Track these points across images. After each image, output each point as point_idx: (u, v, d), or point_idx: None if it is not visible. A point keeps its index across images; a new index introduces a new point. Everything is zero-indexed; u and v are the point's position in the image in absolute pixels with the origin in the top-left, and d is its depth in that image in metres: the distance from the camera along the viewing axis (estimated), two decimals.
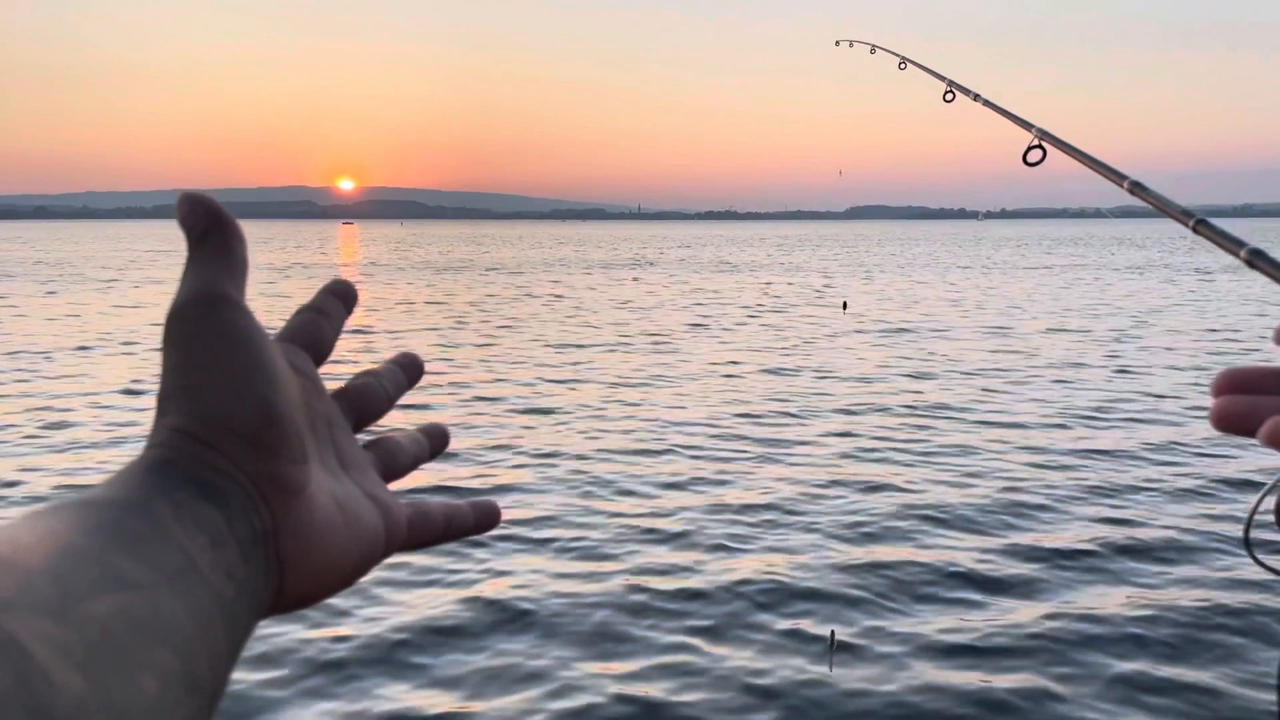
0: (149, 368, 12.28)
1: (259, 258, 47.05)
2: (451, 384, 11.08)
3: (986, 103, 1.36)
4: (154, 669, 0.29)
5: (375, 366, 0.53)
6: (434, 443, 0.55)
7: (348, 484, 0.44)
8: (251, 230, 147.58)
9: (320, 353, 0.49)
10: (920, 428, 8.74)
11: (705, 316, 18.85)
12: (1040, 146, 1.16)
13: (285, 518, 0.38)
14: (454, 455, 7.69)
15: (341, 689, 4.00)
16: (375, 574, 5.17)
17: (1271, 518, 0.54)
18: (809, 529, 5.91)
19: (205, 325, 0.37)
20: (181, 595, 0.32)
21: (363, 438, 0.50)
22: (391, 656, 4.27)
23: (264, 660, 4.21)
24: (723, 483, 6.95)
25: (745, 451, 7.89)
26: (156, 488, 0.35)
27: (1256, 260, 0.58)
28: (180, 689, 0.30)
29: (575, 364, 12.67)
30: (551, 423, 8.99)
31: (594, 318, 18.72)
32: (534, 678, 4.07)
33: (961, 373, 11.75)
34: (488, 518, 0.52)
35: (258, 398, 0.37)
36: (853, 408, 9.66)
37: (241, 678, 4.03)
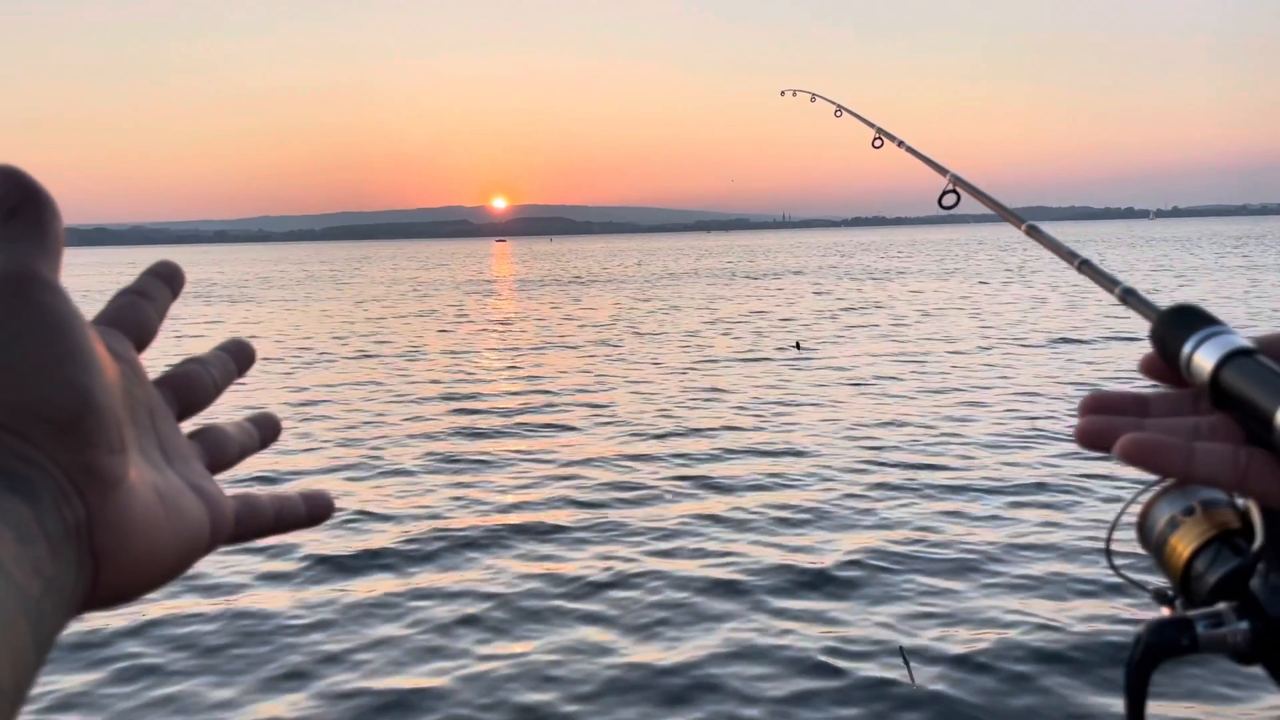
0: (301, 381, 12.84)
1: (420, 276, 48.93)
2: (584, 392, 11.13)
3: (909, 149, 1.46)
4: None
5: (201, 353, 0.51)
6: (264, 432, 0.53)
7: (170, 475, 0.42)
8: (412, 249, 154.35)
9: (142, 338, 0.46)
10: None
11: (849, 327, 18.36)
12: (954, 191, 1.22)
13: (101, 510, 0.36)
14: (586, 471, 7.65)
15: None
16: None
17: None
18: (958, 570, 5.54)
19: (14, 306, 0.35)
20: None
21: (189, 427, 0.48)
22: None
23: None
24: (866, 511, 6.64)
25: (892, 479, 7.53)
26: None
27: (1128, 297, 0.62)
28: None
29: (713, 377, 12.52)
30: (687, 439, 8.86)
31: (735, 329, 18.53)
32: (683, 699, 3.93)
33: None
34: (320, 509, 0.50)
35: (72, 383, 0.35)
36: (1008, 430, 9.12)
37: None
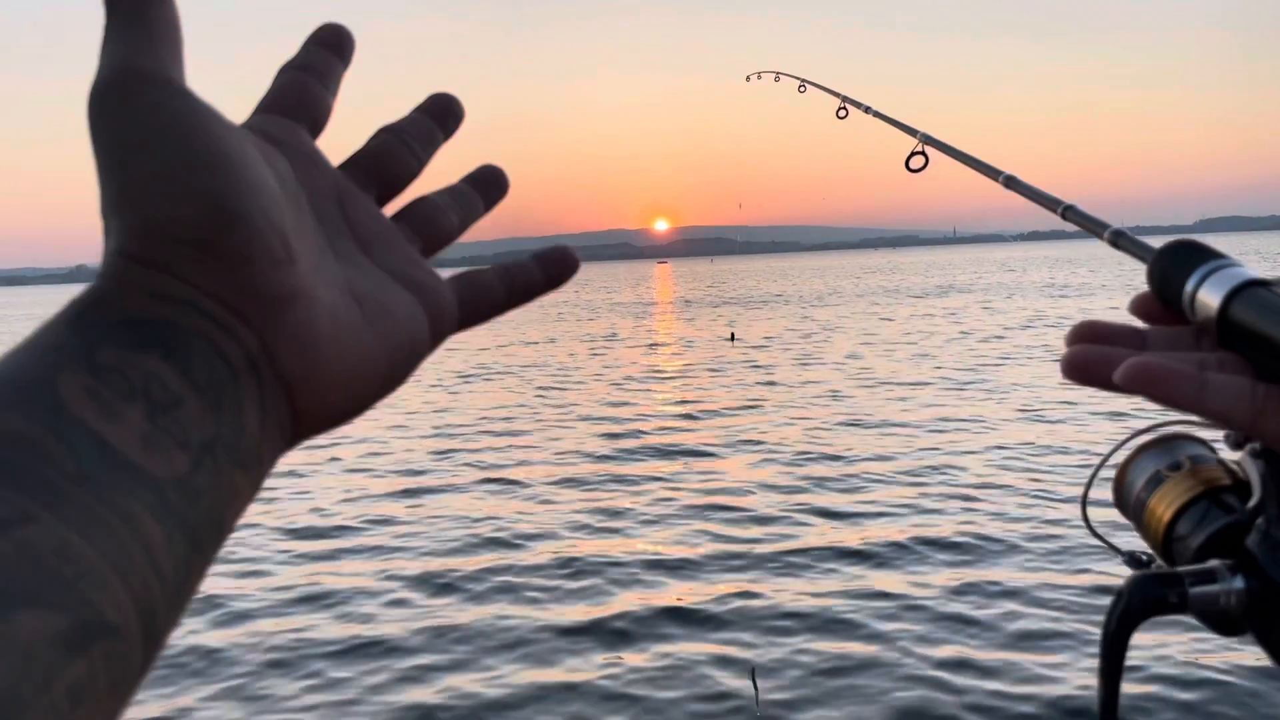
0: (455, 403, 13.34)
1: (584, 297, 49.97)
2: (735, 417, 11.09)
3: (877, 114, 1.38)
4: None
5: (393, 121, 0.43)
6: (486, 190, 0.45)
7: (368, 268, 0.37)
8: (579, 272, 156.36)
9: (316, 117, 0.40)
10: None
11: (1017, 347, 17.56)
12: (922, 152, 1.16)
13: (277, 331, 0.31)
14: (737, 506, 7.64)
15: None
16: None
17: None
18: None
19: (125, 112, 0.30)
20: (76, 520, 0.24)
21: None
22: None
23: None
24: (1055, 554, 6.35)
25: (1064, 516, 7.18)
26: (72, 353, 0.27)
27: (1120, 240, 0.59)
28: (55, 652, 0.22)
29: (872, 401, 12.24)
30: (839, 470, 8.69)
31: (897, 349, 18.04)
32: None
33: None
34: (559, 266, 0.43)
35: (203, 193, 0.29)
36: None
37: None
